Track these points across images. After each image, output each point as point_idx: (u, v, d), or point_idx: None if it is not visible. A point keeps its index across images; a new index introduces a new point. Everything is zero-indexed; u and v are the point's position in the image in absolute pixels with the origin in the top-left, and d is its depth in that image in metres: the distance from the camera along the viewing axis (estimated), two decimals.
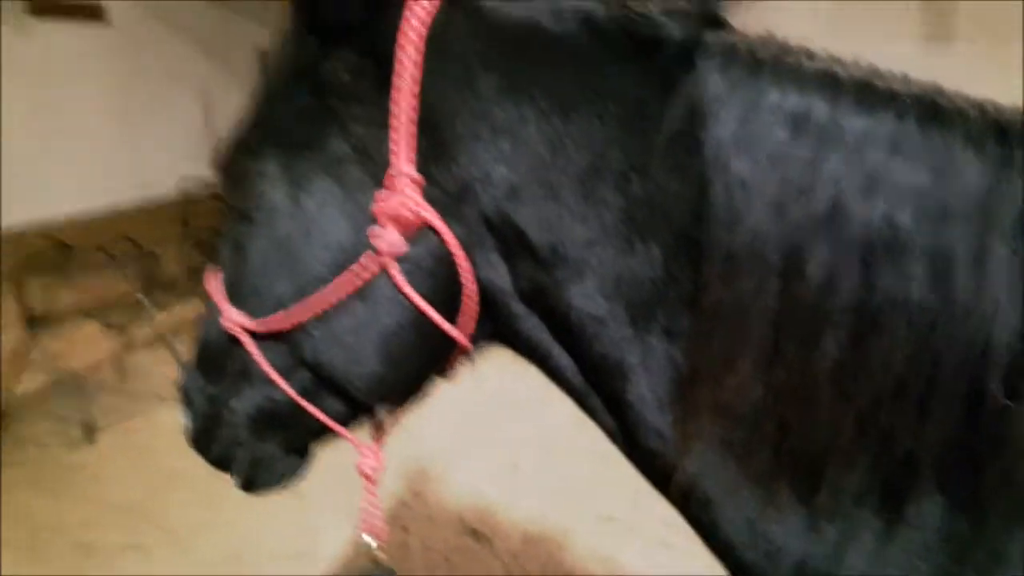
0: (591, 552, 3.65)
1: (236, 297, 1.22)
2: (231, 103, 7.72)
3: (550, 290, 1.07)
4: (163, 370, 5.63)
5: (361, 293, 1.11)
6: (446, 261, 1.09)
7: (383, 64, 1.06)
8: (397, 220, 1.06)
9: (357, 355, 1.14)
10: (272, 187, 1.15)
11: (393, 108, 1.05)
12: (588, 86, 1.00)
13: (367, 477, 1.33)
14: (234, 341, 1.23)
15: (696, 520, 1.06)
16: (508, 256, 1.09)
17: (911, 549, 0.91)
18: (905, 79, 0.91)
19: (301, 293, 1.13)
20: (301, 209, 1.13)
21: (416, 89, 1.04)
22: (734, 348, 0.92)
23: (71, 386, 4.99)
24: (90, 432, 4.72)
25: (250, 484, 1.38)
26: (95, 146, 7.05)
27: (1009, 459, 0.83)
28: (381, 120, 1.07)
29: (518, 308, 1.13)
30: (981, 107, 0.87)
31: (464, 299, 1.12)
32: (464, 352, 1.22)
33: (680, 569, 3.36)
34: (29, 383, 5.04)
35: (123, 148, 7.37)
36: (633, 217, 0.99)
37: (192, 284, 7.33)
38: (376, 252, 1.08)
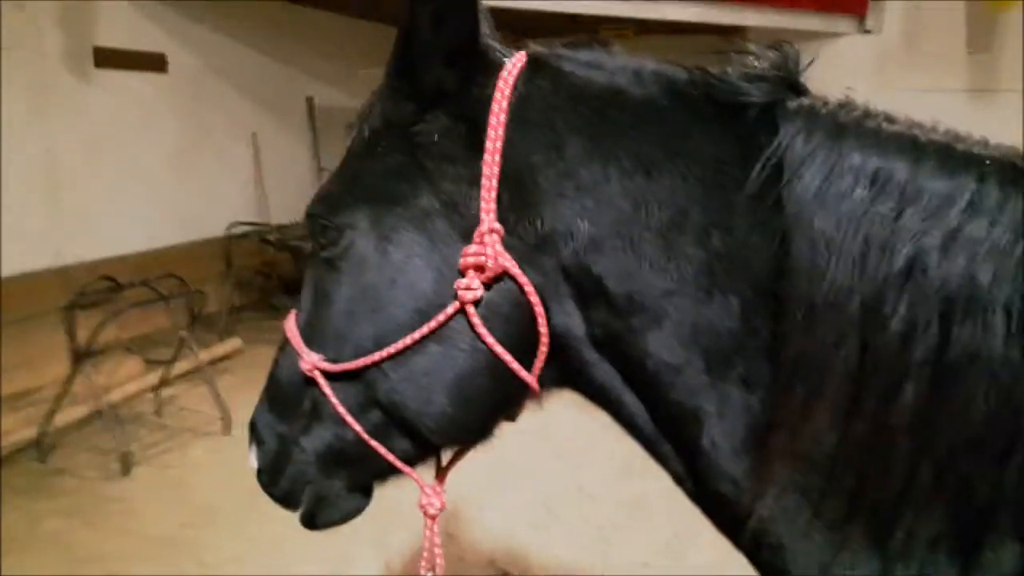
0: None
1: (315, 340, 1.30)
2: (279, 150, 7.93)
3: (625, 337, 1.13)
4: (199, 406, 5.74)
5: (439, 337, 1.18)
6: (523, 308, 1.16)
7: (472, 127, 1.16)
8: (480, 269, 1.14)
9: (430, 396, 1.21)
10: (361, 238, 1.23)
11: (484, 169, 1.14)
12: (671, 147, 1.08)
13: (430, 516, 1.38)
14: (309, 382, 1.30)
15: (767, 565, 1.10)
16: (583, 304, 1.16)
17: None
18: (985, 142, 0.98)
19: (382, 337, 1.21)
20: (388, 259, 1.21)
21: (501, 150, 1.14)
22: (814, 398, 0.96)
23: (110, 419, 5.08)
24: (127, 465, 4.79)
25: (313, 520, 1.43)
26: (150, 190, 7.26)
27: None
28: (468, 178, 1.16)
29: (590, 355, 1.19)
30: None
31: (539, 345, 1.19)
32: (533, 396, 1.27)
33: None
34: (70, 415, 5.13)
35: (176, 192, 7.58)
36: (713, 270, 1.05)
37: (231, 322, 7.49)
38: (457, 299, 1.15)
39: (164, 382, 5.74)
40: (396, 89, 1.21)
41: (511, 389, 1.25)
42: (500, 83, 1.16)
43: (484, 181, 1.14)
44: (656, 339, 1.10)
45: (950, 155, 0.95)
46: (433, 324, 1.17)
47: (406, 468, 1.33)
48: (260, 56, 8.56)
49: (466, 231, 1.17)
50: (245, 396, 5.54)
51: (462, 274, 1.16)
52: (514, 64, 1.19)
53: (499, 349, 1.17)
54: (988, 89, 6.82)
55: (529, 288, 1.15)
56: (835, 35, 7.30)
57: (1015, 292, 0.87)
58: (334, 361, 1.27)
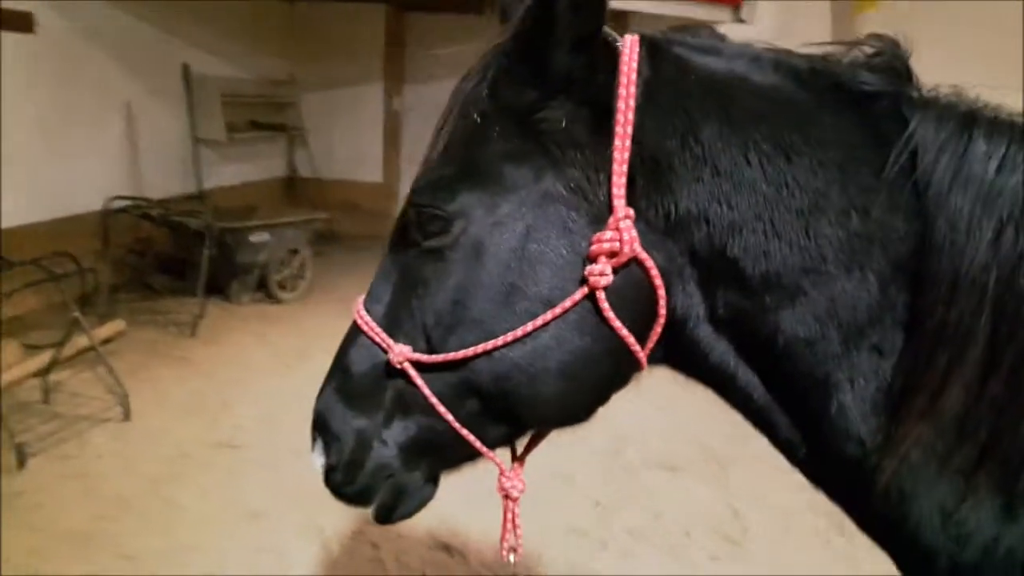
0: (563, 564, 3.75)
1: (401, 331, 1.30)
2: (154, 120, 7.51)
3: (754, 315, 1.19)
4: (90, 391, 5.43)
5: (562, 321, 1.20)
6: (644, 290, 1.20)
7: (600, 113, 1.17)
8: (613, 255, 1.16)
9: (546, 381, 1.23)
10: (476, 226, 1.22)
11: (615, 154, 1.16)
12: (806, 133, 1.14)
13: (513, 499, 1.41)
14: (394, 374, 1.30)
15: (882, 516, 1.18)
16: (708, 285, 1.21)
17: None
18: None
19: (499, 324, 1.21)
20: (507, 246, 1.21)
21: (632, 135, 1.15)
22: (955, 364, 1.05)
23: None
24: (22, 457, 4.48)
25: (391, 513, 1.42)
26: (16, 162, 6.67)
27: None
28: (596, 163, 1.18)
29: (706, 333, 1.24)
30: None
31: (654, 326, 1.23)
32: (640, 370, 1.31)
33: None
34: None
35: (45, 165, 7.01)
36: (852, 248, 1.12)
37: (111, 302, 7.05)
38: (587, 285, 1.17)
39: (53, 366, 5.35)
40: (516, 74, 1.20)
41: (625, 369, 1.29)
42: (624, 67, 1.17)
43: (615, 167, 1.16)
44: (789, 315, 1.16)
45: None
46: (558, 310, 1.19)
47: (489, 453, 1.34)
48: (133, 19, 8.03)
49: (594, 217, 1.18)
50: (136, 380, 5.34)
51: (591, 260, 1.17)
52: (631, 48, 1.19)
53: (624, 332, 1.20)
54: None
55: (655, 272, 1.18)
56: (714, 23, 7.70)
57: None
58: (432, 351, 1.26)
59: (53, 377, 5.42)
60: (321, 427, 1.40)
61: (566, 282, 1.19)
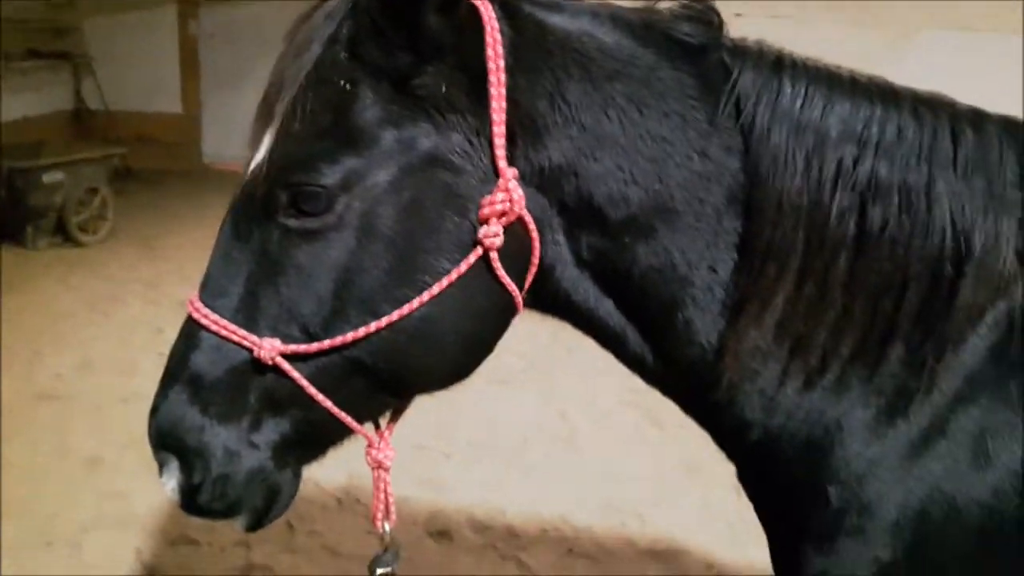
0: (413, 477, 3.93)
1: (266, 322, 1.22)
2: None
3: (613, 254, 1.31)
4: None
5: (458, 284, 1.22)
6: (523, 243, 1.27)
7: (474, 76, 1.21)
8: (501, 215, 1.21)
9: (443, 346, 1.27)
10: (362, 199, 1.19)
11: (493, 116, 1.20)
12: (652, 87, 1.27)
13: (385, 468, 1.38)
14: (262, 372, 1.23)
15: (714, 404, 1.35)
16: (574, 232, 1.31)
17: (878, 387, 1.26)
18: (871, 76, 1.32)
19: (398, 297, 1.20)
20: (394, 217, 1.20)
21: (505, 95, 1.21)
22: (780, 274, 1.23)
23: None
24: None
25: (262, 519, 1.35)
26: None
27: (956, 318, 1.21)
28: (476, 127, 1.21)
29: (572, 274, 1.34)
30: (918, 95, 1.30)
31: (527, 275, 1.31)
32: (517, 314, 1.38)
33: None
34: None
35: None
36: (695, 187, 1.27)
37: None
38: (481, 246, 1.21)
39: None
40: (384, 37, 1.18)
41: (508, 319, 1.35)
42: (488, 29, 1.20)
43: (495, 128, 1.20)
44: (644, 249, 1.29)
45: (853, 83, 1.28)
46: (454, 275, 1.21)
47: (362, 429, 1.32)
48: None
49: (480, 179, 1.21)
50: None
51: (482, 222, 1.21)
52: (484, 5, 1.22)
53: (513, 287, 1.26)
54: None
55: (532, 227, 1.25)
56: None
57: (903, 178, 1.21)
58: (310, 339, 1.21)
59: None
60: (173, 445, 1.27)
61: (458, 247, 1.21)
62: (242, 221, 1.27)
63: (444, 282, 1.21)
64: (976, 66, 5.86)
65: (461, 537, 3.65)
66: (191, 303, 1.26)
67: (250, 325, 1.23)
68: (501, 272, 1.24)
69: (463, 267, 1.21)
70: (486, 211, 1.21)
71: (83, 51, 10.21)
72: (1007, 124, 1.31)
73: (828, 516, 1.29)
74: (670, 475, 4.06)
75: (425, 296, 1.20)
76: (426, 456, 4.26)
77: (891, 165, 1.22)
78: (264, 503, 1.32)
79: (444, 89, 1.20)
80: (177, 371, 1.28)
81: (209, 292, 1.26)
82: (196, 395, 1.26)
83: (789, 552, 1.37)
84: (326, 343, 1.21)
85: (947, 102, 1.31)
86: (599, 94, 1.26)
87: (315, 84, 1.21)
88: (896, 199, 1.22)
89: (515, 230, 1.24)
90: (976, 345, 1.24)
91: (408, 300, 1.20)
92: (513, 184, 1.21)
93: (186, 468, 1.27)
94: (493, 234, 1.21)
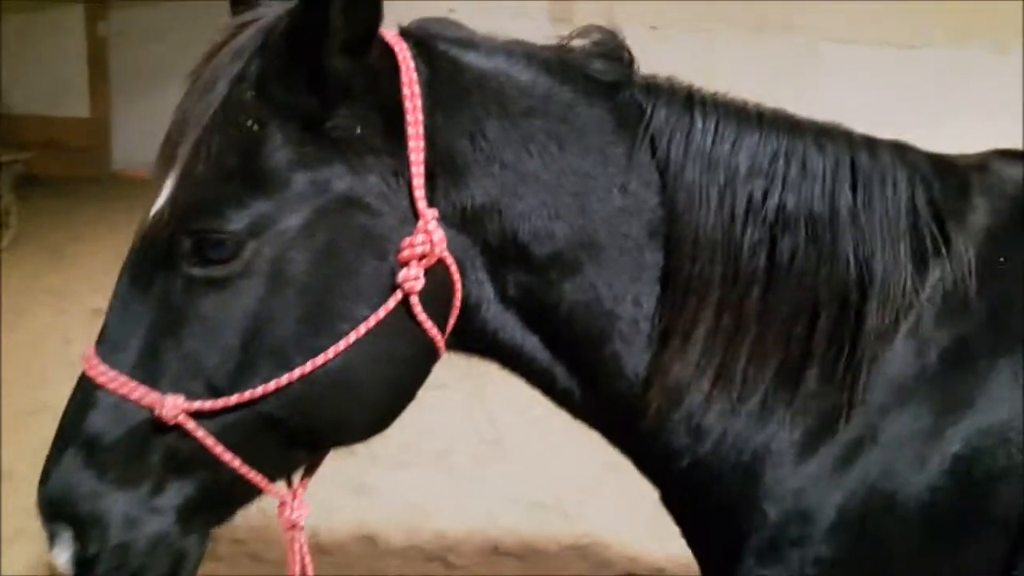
0: (340, 478, 3.91)
1: (170, 378, 1.14)
2: None
3: (540, 289, 1.30)
4: None
5: (377, 331, 1.18)
6: (445, 286, 1.25)
7: (389, 115, 1.19)
8: (422, 258, 1.18)
9: (362, 396, 1.24)
10: (271, 245, 1.14)
11: (412, 156, 1.18)
12: (570, 123, 1.28)
13: (296, 527, 1.31)
14: (164, 431, 1.14)
15: (642, 435, 1.37)
16: (498, 270, 1.30)
17: (802, 408, 1.30)
18: (775, 109, 1.37)
19: (311, 347, 1.15)
20: (307, 263, 1.15)
21: (424, 134, 1.20)
22: (699, 307, 1.26)
23: None
24: None
25: None
26: None
27: (868, 339, 1.26)
28: (394, 167, 1.20)
29: (495, 312, 1.32)
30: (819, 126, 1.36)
31: (450, 317, 1.29)
32: (438, 359, 1.34)
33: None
34: None
35: None
36: (617, 221, 1.29)
37: None
38: (401, 291, 1.18)
39: None
40: (291, 78, 1.15)
41: (428, 365, 1.32)
42: (403, 67, 1.20)
43: (414, 168, 1.18)
44: (570, 285, 1.29)
45: (760, 117, 1.32)
46: (372, 322, 1.16)
47: (272, 488, 1.24)
48: None
49: (398, 220, 1.19)
50: None
51: (402, 265, 1.18)
52: (399, 44, 1.22)
53: (435, 332, 1.24)
54: None
55: (454, 268, 1.23)
56: None
57: (808, 209, 1.26)
58: (215, 395, 1.13)
59: None
60: (67, 515, 1.16)
61: (377, 291, 1.18)
62: (142, 270, 1.19)
63: (362, 329, 1.16)
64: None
65: (388, 540, 3.64)
66: (86, 359, 1.17)
67: (151, 381, 1.14)
68: (422, 316, 1.21)
69: (382, 312, 1.18)
70: (406, 253, 1.18)
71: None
72: (897, 148, 1.37)
73: (768, 530, 1.32)
74: (594, 474, 4.14)
75: (342, 344, 1.15)
76: (354, 459, 4.21)
77: (797, 198, 1.27)
78: (169, 570, 1.20)
79: (359, 131, 1.18)
80: (71, 433, 1.17)
81: (106, 346, 1.17)
82: (92, 459, 1.15)
83: (727, 568, 1.38)
84: (233, 399, 1.13)
85: (843, 131, 1.37)
86: (518, 131, 1.26)
87: (221, 125, 1.15)
88: (803, 231, 1.27)
89: (436, 272, 1.22)
90: (894, 360, 1.28)
91: (323, 349, 1.15)
92: (433, 225, 1.19)
93: (81, 538, 1.15)
94: (413, 277, 1.18)
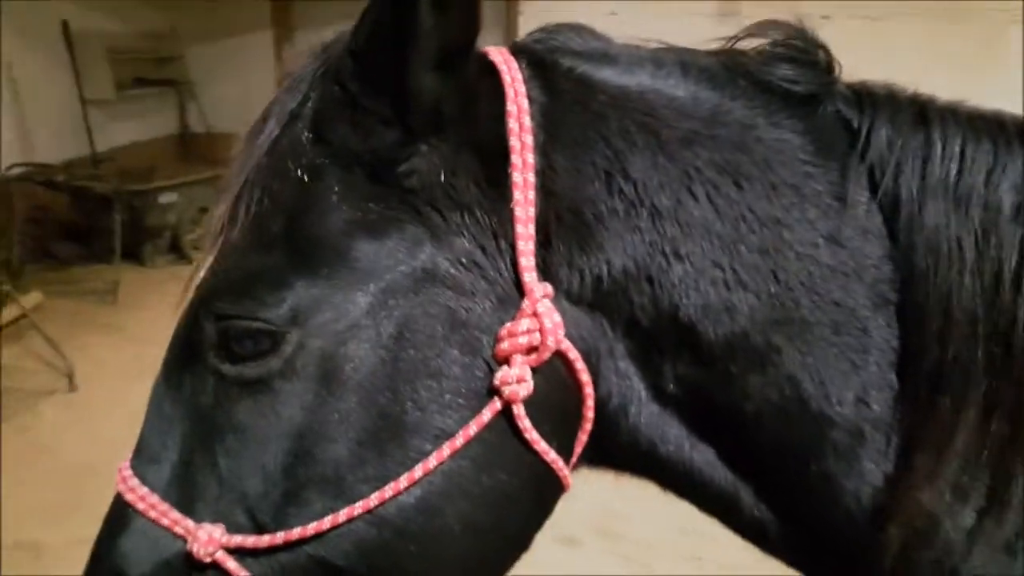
0: None
1: (207, 504, 0.89)
2: (38, 81, 7.12)
3: (713, 386, 0.95)
4: (22, 363, 5.36)
5: (464, 456, 0.87)
6: (569, 391, 0.93)
7: (487, 157, 0.90)
8: (528, 351, 0.87)
9: (446, 542, 0.89)
10: (321, 337, 0.86)
11: (518, 211, 0.88)
12: (750, 152, 0.93)
13: None
14: (202, 570, 0.89)
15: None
16: (650, 360, 0.96)
17: None
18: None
19: (371, 477, 0.86)
20: (374, 360, 0.87)
21: (536, 183, 0.90)
22: (958, 406, 0.88)
23: None
24: None
25: None
26: None
27: None
28: (493, 227, 0.90)
29: (652, 418, 0.98)
30: None
31: (579, 434, 0.97)
32: (563, 494, 1.01)
33: None
34: None
35: None
36: (828, 286, 0.91)
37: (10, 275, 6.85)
38: (500, 397, 0.87)
39: None
40: (360, 109, 0.88)
41: (548, 500, 0.99)
42: (509, 91, 0.91)
43: (520, 228, 0.88)
44: (759, 380, 0.93)
45: (1019, 133, 0.93)
46: (460, 441, 0.86)
47: None
48: None
49: (497, 301, 0.89)
50: (66, 351, 5.25)
51: (501, 361, 0.88)
52: (507, 64, 0.94)
53: (552, 456, 0.91)
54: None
55: (580, 365, 0.91)
56: None
57: None
58: (258, 529, 0.87)
59: None
60: None
61: (466, 399, 0.88)
62: (173, 364, 0.95)
63: (446, 450, 0.86)
64: None
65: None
66: (120, 471, 0.94)
67: (186, 505, 0.90)
68: (532, 433, 0.89)
69: (474, 428, 0.87)
70: (505, 346, 0.87)
71: (186, 77, 10.69)
72: None
73: None
74: None
75: (418, 471, 0.85)
76: None
77: None
78: None
79: (443, 177, 0.89)
80: (101, 558, 0.96)
81: (141, 458, 0.94)
82: None
83: None
84: (280, 536, 0.86)
85: None
86: (677, 166, 0.93)
87: (266, 177, 0.92)
88: None
89: (552, 369, 0.91)
90: None
91: (392, 478, 0.86)
92: (546, 306, 0.88)
93: None
94: (516, 379, 0.87)
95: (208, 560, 0.87)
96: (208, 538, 0.86)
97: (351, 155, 0.89)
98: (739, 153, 0.93)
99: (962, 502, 0.91)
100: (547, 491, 0.96)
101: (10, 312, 5.40)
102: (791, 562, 1.06)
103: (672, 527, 3.72)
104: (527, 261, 0.88)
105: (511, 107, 0.90)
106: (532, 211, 0.89)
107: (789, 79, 0.95)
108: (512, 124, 0.89)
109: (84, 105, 8.64)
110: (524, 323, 0.87)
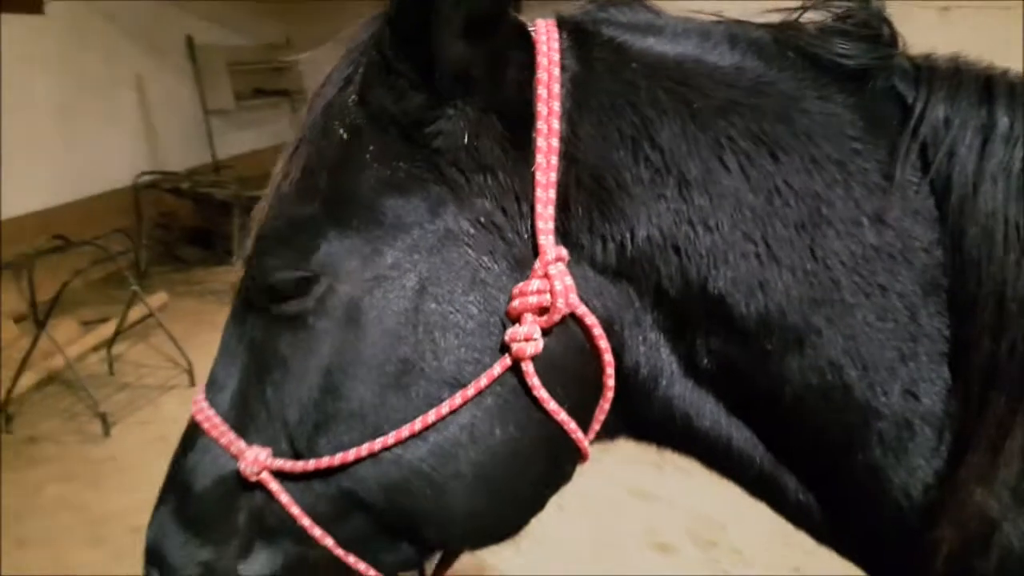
0: None
1: (258, 429, 0.98)
2: (164, 93, 7.57)
3: (746, 365, 0.93)
4: (147, 361, 5.67)
5: (477, 407, 0.91)
6: (585, 355, 0.94)
7: (512, 122, 0.92)
8: (542, 311, 0.89)
9: (457, 488, 0.93)
10: (349, 283, 0.92)
11: (539, 176, 0.90)
12: (791, 123, 0.90)
13: None
14: (249, 487, 0.98)
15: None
16: (683, 333, 0.95)
17: None
18: None
19: (388, 417, 0.91)
20: (394, 309, 0.91)
21: (561, 148, 0.91)
22: (1014, 408, 0.83)
23: (71, 382, 4.99)
24: (107, 425, 4.73)
25: None
26: (37, 144, 6.82)
27: None
28: (515, 189, 0.92)
29: (685, 392, 0.98)
30: None
31: (600, 401, 0.97)
32: (582, 462, 1.03)
33: None
34: (22, 382, 4.94)
35: (65, 145, 7.14)
36: (871, 267, 0.87)
37: (139, 278, 7.28)
38: (510, 354, 0.90)
39: (115, 339, 5.59)
40: (395, 72, 0.91)
41: (567, 463, 1.01)
42: (542, 60, 0.92)
43: (539, 192, 0.90)
44: (797, 361, 0.90)
45: None
46: (471, 392, 0.90)
47: None
48: None
49: (515, 261, 0.92)
50: (188, 348, 5.53)
51: (514, 319, 0.90)
52: (547, 34, 0.95)
53: (563, 416, 0.93)
54: None
55: (598, 331, 0.92)
56: None
57: None
58: (298, 456, 0.95)
59: (112, 350, 5.65)
60: (156, 560, 1.06)
61: (480, 352, 0.91)
62: (238, 303, 1.04)
63: (457, 399, 0.90)
64: None
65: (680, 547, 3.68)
66: (195, 398, 1.04)
67: (241, 428, 0.99)
68: (541, 392, 0.91)
69: (484, 381, 0.90)
70: (517, 305, 0.90)
71: (300, 87, 11.11)
72: None
73: None
74: None
75: (432, 417, 0.90)
76: (639, 467, 4.33)
77: None
78: None
79: (467, 139, 0.91)
80: (171, 476, 1.07)
81: (211, 387, 1.04)
82: (183, 506, 1.04)
83: None
84: (311, 464, 0.94)
85: None
86: (709, 133, 0.91)
87: (317, 135, 0.98)
88: None
89: (571, 334, 0.93)
90: None
91: (409, 420, 0.91)
92: (557, 269, 0.89)
93: None
94: (524, 337, 0.89)
95: (254, 479, 0.96)
96: (254, 459, 0.95)
97: (387, 117, 0.93)
98: (779, 124, 0.90)
99: (1003, 506, 0.86)
100: (560, 453, 0.98)
101: (137, 312, 5.73)
102: (847, 556, 1.04)
103: (771, 538, 3.61)
104: (544, 224, 0.90)
105: (542, 74, 0.91)
106: (554, 176, 0.90)
107: (841, 53, 0.91)
108: (541, 91, 0.91)
109: (206, 115, 9.11)
110: (535, 283, 0.89)
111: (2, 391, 4.78)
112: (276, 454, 0.96)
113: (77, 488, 4.19)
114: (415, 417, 0.91)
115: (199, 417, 1.01)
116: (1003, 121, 0.84)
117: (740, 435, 0.99)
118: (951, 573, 0.89)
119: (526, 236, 0.92)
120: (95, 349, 5.70)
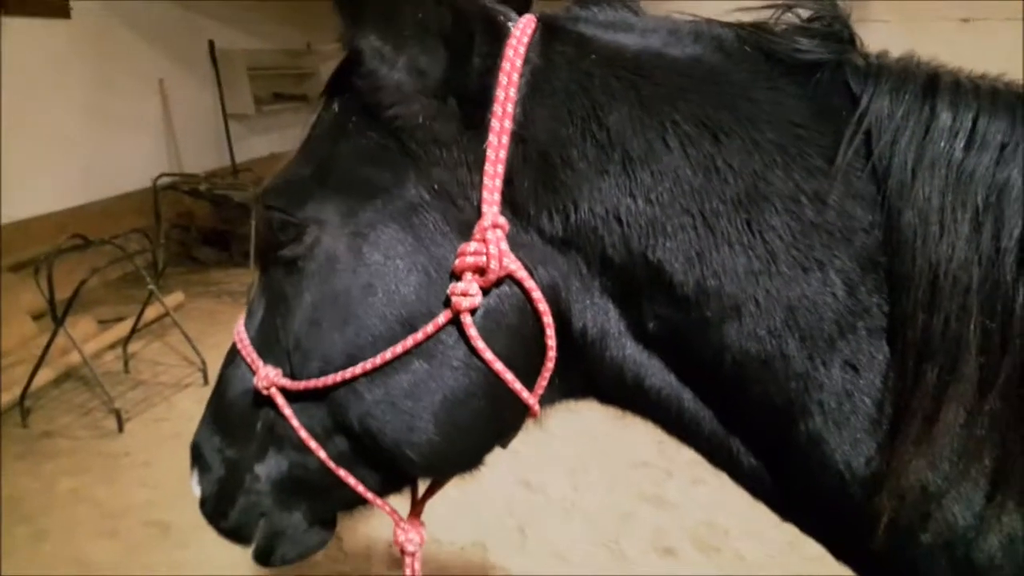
0: None
1: (271, 352, 1.16)
2: (186, 96, 7.70)
3: (692, 332, 0.99)
4: (163, 359, 5.75)
5: (426, 351, 1.04)
6: (529, 316, 1.04)
7: (473, 103, 1.01)
8: (480, 271, 1.00)
9: (412, 421, 1.07)
10: (330, 235, 1.07)
11: (489, 152, 0.99)
12: (736, 110, 0.96)
13: (409, 553, 1.26)
14: (264, 401, 1.16)
15: (876, 559, 0.98)
16: (629, 298, 1.03)
17: None
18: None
19: (355, 351, 1.06)
20: (364, 260, 1.05)
21: (514, 129, 1.00)
22: (945, 380, 0.87)
23: (88, 378, 5.07)
24: (121, 422, 4.79)
25: (268, 556, 1.29)
26: (62, 145, 6.94)
27: None
28: (467, 162, 1.02)
29: (634, 354, 1.06)
30: None
31: (544, 361, 1.07)
32: (533, 417, 1.15)
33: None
34: (39, 377, 5.02)
35: (88, 146, 7.26)
36: (808, 243, 0.93)
37: (156, 278, 7.37)
38: (450, 307, 1.02)
39: (131, 337, 5.67)
40: (378, 63, 1.02)
41: (510, 412, 1.12)
42: (508, 52, 1.01)
43: (488, 166, 0.99)
44: (736, 329, 0.96)
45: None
46: (420, 336, 1.03)
47: (377, 500, 1.19)
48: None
49: (464, 226, 1.02)
50: (203, 348, 5.61)
51: (457, 277, 1.02)
52: (522, 30, 1.04)
53: (499, 366, 1.04)
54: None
55: (537, 295, 1.02)
56: None
57: None
58: (294, 378, 1.12)
59: (128, 348, 5.73)
60: (196, 454, 1.30)
61: (430, 304, 1.03)
62: (259, 246, 1.24)
63: (408, 341, 1.03)
64: None
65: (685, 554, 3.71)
66: (238, 322, 1.24)
67: (263, 351, 1.17)
68: (478, 342, 1.02)
69: (429, 328, 1.02)
70: (457, 263, 1.01)
71: (319, 93, 11.23)
72: None
73: None
74: None
75: (388, 354, 1.04)
76: (650, 473, 4.35)
77: None
78: (265, 541, 1.27)
79: (422, 120, 1.02)
80: (216, 385, 1.28)
81: (249, 314, 1.23)
82: (219, 412, 1.26)
83: None
84: (299, 384, 1.11)
85: None
86: (654, 117, 0.98)
87: (325, 109, 1.15)
88: None
89: (514, 296, 1.04)
90: None
91: (369, 357, 1.05)
92: (494, 234, 0.99)
93: (202, 479, 1.28)
94: (461, 292, 1.00)
95: (264, 392, 1.14)
96: (266, 375, 1.13)
97: (365, 101, 1.05)
98: (723, 110, 0.97)
99: (968, 484, 0.90)
100: (504, 405, 1.09)
101: (154, 311, 5.81)
102: (807, 532, 1.09)
103: (774, 545, 3.63)
104: (489, 195, 0.99)
105: (505, 64, 1.00)
106: (503, 154, 0.99)
107: (797, 48, 0.98)
108: (502, 78, 1.00)
109: (226, 119, 9.22)
110: (473, 245, 1.00)
111: (20, 387, 4.85)
112: (285, 375, 1.13)
113: (91, 482, 4.26)
114: (374, 355, 1.04)
115: (236, 338, 1.20)
116: (944, 115, 0.90)
117: (690, 399, 1.06)
118: (895, 545, 0.94)
119: (475, 204, 1.02)
120: (111, 347, 5.78)
